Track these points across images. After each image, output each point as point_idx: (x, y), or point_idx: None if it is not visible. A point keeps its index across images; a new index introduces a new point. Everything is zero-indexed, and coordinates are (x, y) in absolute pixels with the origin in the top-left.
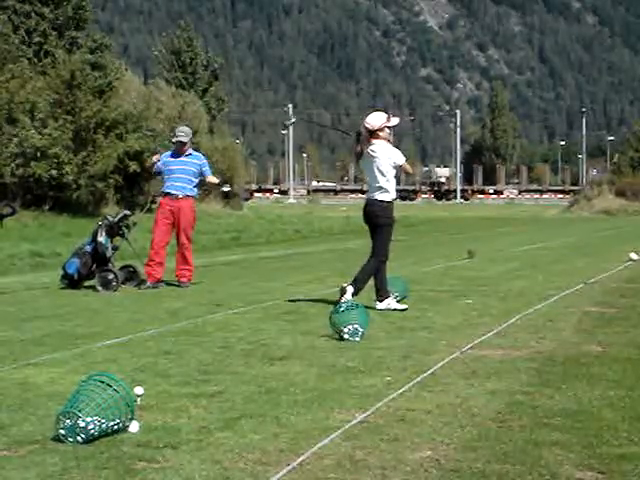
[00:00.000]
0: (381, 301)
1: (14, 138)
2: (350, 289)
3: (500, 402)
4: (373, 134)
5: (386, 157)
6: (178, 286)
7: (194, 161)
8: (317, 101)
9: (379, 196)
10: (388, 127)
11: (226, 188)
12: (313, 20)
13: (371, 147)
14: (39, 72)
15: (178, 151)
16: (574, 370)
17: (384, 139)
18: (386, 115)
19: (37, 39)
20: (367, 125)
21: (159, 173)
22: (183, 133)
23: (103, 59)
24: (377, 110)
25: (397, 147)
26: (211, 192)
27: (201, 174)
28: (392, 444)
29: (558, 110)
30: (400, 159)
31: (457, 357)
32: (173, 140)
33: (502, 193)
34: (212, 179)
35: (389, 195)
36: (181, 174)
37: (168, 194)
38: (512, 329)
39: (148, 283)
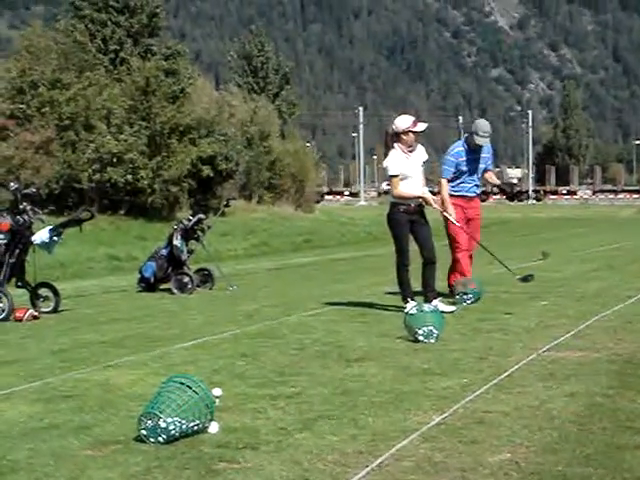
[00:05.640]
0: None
1: (91, 144)
2: (410, 305)
3: (580, 404)
4: (398, 136)
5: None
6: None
7: (483, 155)
8: (387, 103)
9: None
10: (413, 132)
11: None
12: (382, 22)
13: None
14: (115, 79)
15: (476, 148)
16: None
17: (404, 143)
18: (413, 119)
19: (113, 47)
20: (393, 126)
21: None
22: (488, 133)
23: (176, 65)
24: (405, 113)
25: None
26: (283, 195)
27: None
28: (471, 446)
29: (633, 109)
30: (388, 170)
31: (534, 359)
32: (480, 135)
33: (575, 194)
34: (494, 177)
35: (390, 198)
36: (474, 174)
37: (463, 196)
38: (590, 331)
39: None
